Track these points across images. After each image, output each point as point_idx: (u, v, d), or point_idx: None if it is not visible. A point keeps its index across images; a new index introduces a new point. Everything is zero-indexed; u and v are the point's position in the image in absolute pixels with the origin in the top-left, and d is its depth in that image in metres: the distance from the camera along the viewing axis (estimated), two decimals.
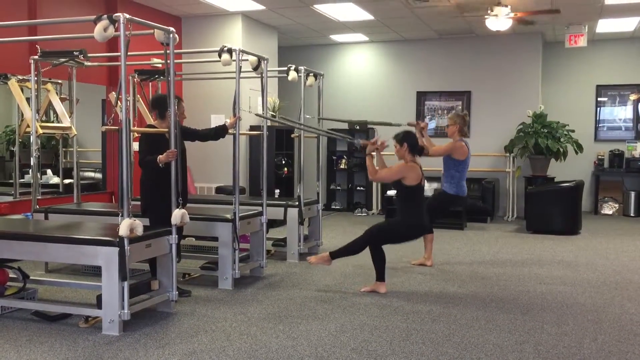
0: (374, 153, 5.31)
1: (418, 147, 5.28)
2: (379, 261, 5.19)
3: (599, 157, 10.81)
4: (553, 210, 8.55)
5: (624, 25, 9.59)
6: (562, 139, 9.72)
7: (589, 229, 8.84)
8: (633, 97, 10.85)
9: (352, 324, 4.28)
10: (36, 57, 5.63)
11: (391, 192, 9.06)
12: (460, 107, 10.76)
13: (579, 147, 9.82)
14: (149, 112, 5.99)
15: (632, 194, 10.47)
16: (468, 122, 6.33)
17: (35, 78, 5.69)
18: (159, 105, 4.82)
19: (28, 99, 5.81)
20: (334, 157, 11.28)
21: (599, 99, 11.05)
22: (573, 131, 9.94)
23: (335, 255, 5.27)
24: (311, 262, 5.37)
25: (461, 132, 6.23)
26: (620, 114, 11.00)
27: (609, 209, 10.76)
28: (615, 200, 10.76)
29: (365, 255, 6.75)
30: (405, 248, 6.81)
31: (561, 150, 9.64)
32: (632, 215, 10.44)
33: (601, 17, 8.98)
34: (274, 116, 8.94)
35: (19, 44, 6.26)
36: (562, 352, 3.74)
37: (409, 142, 5.20)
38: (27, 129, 5.76)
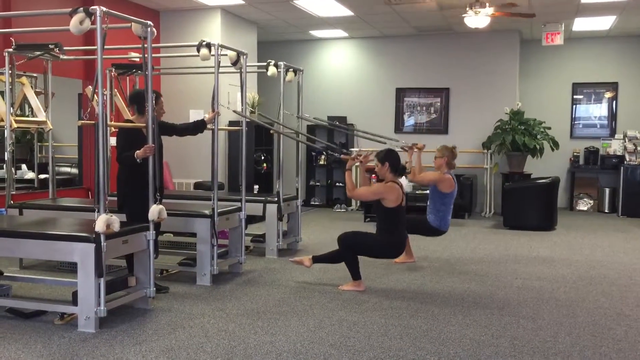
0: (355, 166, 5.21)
1: (400, 167, 5.10)
2: (352, 262, 5.10)
3: (575, 154, 10.97)
4: (529, 207, 8.66)
5: (599, 23, 9.72)
6: (538, 136, 9.83)
7: (565, 225, 8.96)
8: (608, 94, 11.01)
9: (331, 319, 4.29)
10: (10, 49, 5.54)
11: None
12: (439, 104, 10.82)
13: (555, 144, 9.94)
14: (126, 106, 5.93)
15: (607, 191, 10.63)
16: (456, 155, 6.23)
17: (10, 71, 5.60)
18: (137, 101, 4.76)
19: (2, 93, 5.71)
20: (314, 153, 11.27)
21: (574, 96, 11.19)
22: (549, 128, 10.06)
23: (317, 260, 5.31)
24: (292, 261, 5.45)
25: (449, 166, 6.06)
26: (595, 111, 11.16)
27: (584, 205, 10.92)
28: (590, 197, 10.92)
29: None
30: None
31: (538, 147, 9.75)
32: (606, 211, 10.60)
33: (577, 15, 9.09)
34: (252, 112, 8.92)
35: None
36: (538, 346, 3.79)
37: (390, 162, 5.03)
38: (1, 123, 5.67)
